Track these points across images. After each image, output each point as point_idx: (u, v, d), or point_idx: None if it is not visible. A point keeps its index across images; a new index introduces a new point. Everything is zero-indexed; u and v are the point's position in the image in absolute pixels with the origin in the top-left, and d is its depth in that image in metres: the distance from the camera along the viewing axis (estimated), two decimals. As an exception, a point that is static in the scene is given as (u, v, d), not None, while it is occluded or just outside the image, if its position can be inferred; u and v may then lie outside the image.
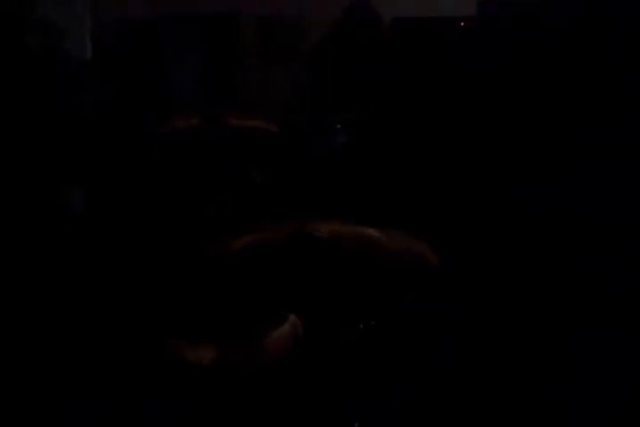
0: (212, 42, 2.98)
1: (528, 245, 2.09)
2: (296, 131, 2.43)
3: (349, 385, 1.82)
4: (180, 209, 2.10)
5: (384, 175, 2.26)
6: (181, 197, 2.12)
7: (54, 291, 1.93)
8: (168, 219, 2.08)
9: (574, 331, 1.97)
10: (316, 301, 1.80)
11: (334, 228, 1.81)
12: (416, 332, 1.88)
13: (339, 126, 2.47)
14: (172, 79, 2.89)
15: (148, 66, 2.85)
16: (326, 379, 1.81)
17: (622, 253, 2.02)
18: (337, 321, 1.82)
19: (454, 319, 1.94)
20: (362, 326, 1.83)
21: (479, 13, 2.69)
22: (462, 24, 3.08)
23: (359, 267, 1.81)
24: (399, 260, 1.82)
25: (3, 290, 1.92)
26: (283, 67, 3.01)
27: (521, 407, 1.88)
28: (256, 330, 1.74)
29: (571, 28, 2.24)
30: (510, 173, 2.19)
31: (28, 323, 1.88)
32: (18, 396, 1.75)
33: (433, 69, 2.61)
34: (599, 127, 2.11)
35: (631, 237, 2.03)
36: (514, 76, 2.28)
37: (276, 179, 2.25)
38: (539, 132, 2.18)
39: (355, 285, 1.82)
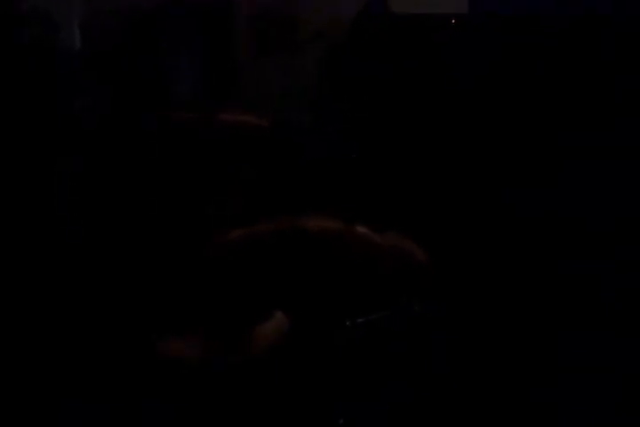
0: (204, 35, 2.97)
1: (518, 248, 2.10)
2: (289, 128, 2.43)
3: (339, 388, 1.82)
4: (176, 208, 2.10)
5: (375, 177, 2.26)
6: (177, 196, 2.12)
7: (51, 290, 1.93)
8: (165, 218, 2.07)
9: (564, 335, 1.98)
10: (305, 298, 1.81)
11: (324, 224, 1.82)
12: (407, 335, 1.89)
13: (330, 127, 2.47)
14: (164, 73, 2.87)
15: (140, 58, 2.84)
16: (316, 381, 1.81)
17: (612, 257, 2.03)
18: (326, 320, 1.83)
19: (445, 322, 1.94)
20: (349, 324, 1.83)
21: (473, 10, 2.69)
22: (453, 21, 3.07)
23: (349, 264, 1.81)
24: (390, 258, 1.83)
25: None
26: (278, 61, 3.00)
27: (512, 411, 1.89)
28: (241, 326, 1.74)
29: (562, 30, 2.25)
30: (500, 177, 2.19)
31: (24, 322, 1.88)
32: (14, 396, 1.74)
33: (422, 68, 2.60)
34: (590, 131, 2.11)
35: (621, 240, 2.04)
36: (505, 78, 2.28)
37: (269, 178, 2.24)
38: (529, 135, 2.19)
39: (345, 282, 1.82)
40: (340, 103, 2.52)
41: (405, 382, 1.86)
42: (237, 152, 2.24)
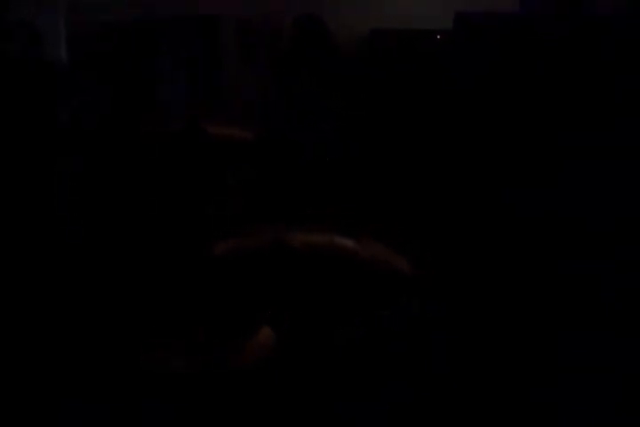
0: (191, 44, 2.98)
1: (518, 248, 2.11)
2: (281, 134, 2.43)
3: (338, 389, 1.81)
4: (165, 213, 2.09)
5: (370, 178, 2.27)
6: (164, 201, 2.11)
7: (50, 291, 1.91)
8: (154, 222, 2.06)
9: (564, 335, 1.98)
10: (291, 308, 1.80)
11: (308, 237, 1.82)
12: (407, 335, 1.88)
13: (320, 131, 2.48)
14: (153, 81, 2.87)
15: (129, 69, 2.83)
16: (313, 384, 1.80)
17: (612, 256, 2.04)
18: (315, 327, 1.82)
19: (445, 322, 1.94)
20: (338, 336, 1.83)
21: (460, 25, 2.73)
22: (438, 37, 3.11)
23: (332, 276, 1.82)
24: (372, 269, 1.84)
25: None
26: (264, 68, 3.02)
27: (512, 411, 1.89)
28: (229, 342, 1.73)
29: (556, 36, 2.28)
30: (500, 177, 2.21)
31: (22, 323, 1.85)
32: (13, 396, 1.72)
33: (413, 78, 2.63)
34: (589, 131, 2.14)
35: (621, 240, 2.05)
36: (501, 82, 2.30)
37: (257, 183, 2.25)
38: (528, 137, 2.21)
39: (329, 292, 1.83)
40: (327, 111, 2.54)
41: (405, 382, 1.85)
42: (226, 160, 2.24)
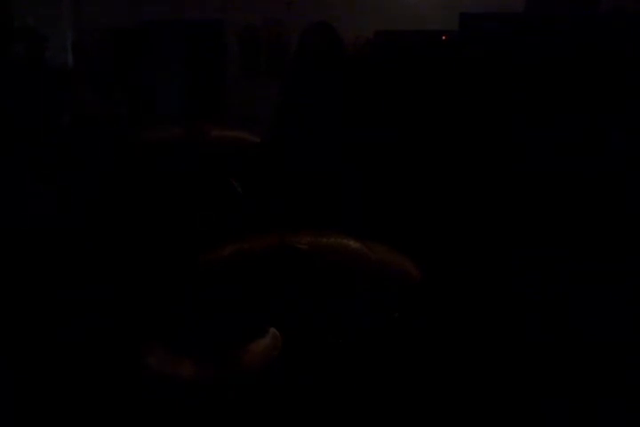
0: (194, 49, 3.00)
1: (518, 249, 2.11)
2: (281, 140, 2.44)
3: (338, 389, 1.81)
4: (165, 223, 2.10)
5: (376, 181, 2.27)
6: (165, 210, 2.11)
7: (51, 291, 1.92)
8: (154, 232, 2.07)
9: (564, 334, 1.98)
10: (297, 312, 1.80)
11: (315, 239, 1.81)
12: (406, 335, 1.88)
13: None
14: (155, 87, 2.89)
15: (132, 73, 2.85)
16: (314, 384, 1.80)
17: (612, 265, 2.03)
18: (319, 332, 1.82)
19: (445, 324, 1.94)
20: (341, 341, 1.83)
21: (463, 26, 2.74)
22: (444, 37, 3.12)
23: (340, 279, 1.81)
24: (380, 272, 1.83)
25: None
26: (267, 74, 3.03)
27: (511, 411, 1.88)
28: (235, 344, 1.73)
29: (557, 39, 2.28)
30: (504, 180, 2.21)
31: (23, 323, 1.86)
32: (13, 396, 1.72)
33: (415, 80, 2.63)
34: (589, 131, 2.13)
35: (621, 242, 2.05)
36: (501, 84, 2.30)
37: (260, 190, 2.25)
38: (532, 137, 2.21)
39: (336, 296, 1.82)
40: (333, 115, 2.54)
41: (405, 381, 1.85)
42: (228, 167, 2.24)
